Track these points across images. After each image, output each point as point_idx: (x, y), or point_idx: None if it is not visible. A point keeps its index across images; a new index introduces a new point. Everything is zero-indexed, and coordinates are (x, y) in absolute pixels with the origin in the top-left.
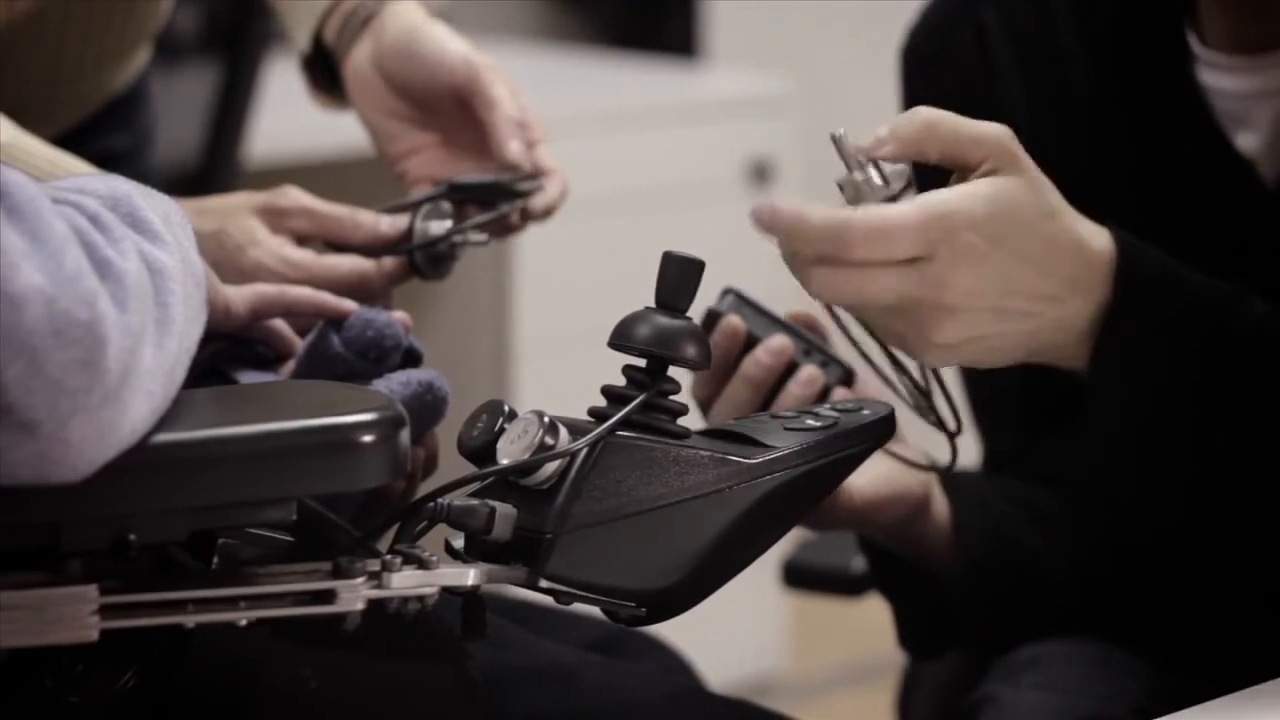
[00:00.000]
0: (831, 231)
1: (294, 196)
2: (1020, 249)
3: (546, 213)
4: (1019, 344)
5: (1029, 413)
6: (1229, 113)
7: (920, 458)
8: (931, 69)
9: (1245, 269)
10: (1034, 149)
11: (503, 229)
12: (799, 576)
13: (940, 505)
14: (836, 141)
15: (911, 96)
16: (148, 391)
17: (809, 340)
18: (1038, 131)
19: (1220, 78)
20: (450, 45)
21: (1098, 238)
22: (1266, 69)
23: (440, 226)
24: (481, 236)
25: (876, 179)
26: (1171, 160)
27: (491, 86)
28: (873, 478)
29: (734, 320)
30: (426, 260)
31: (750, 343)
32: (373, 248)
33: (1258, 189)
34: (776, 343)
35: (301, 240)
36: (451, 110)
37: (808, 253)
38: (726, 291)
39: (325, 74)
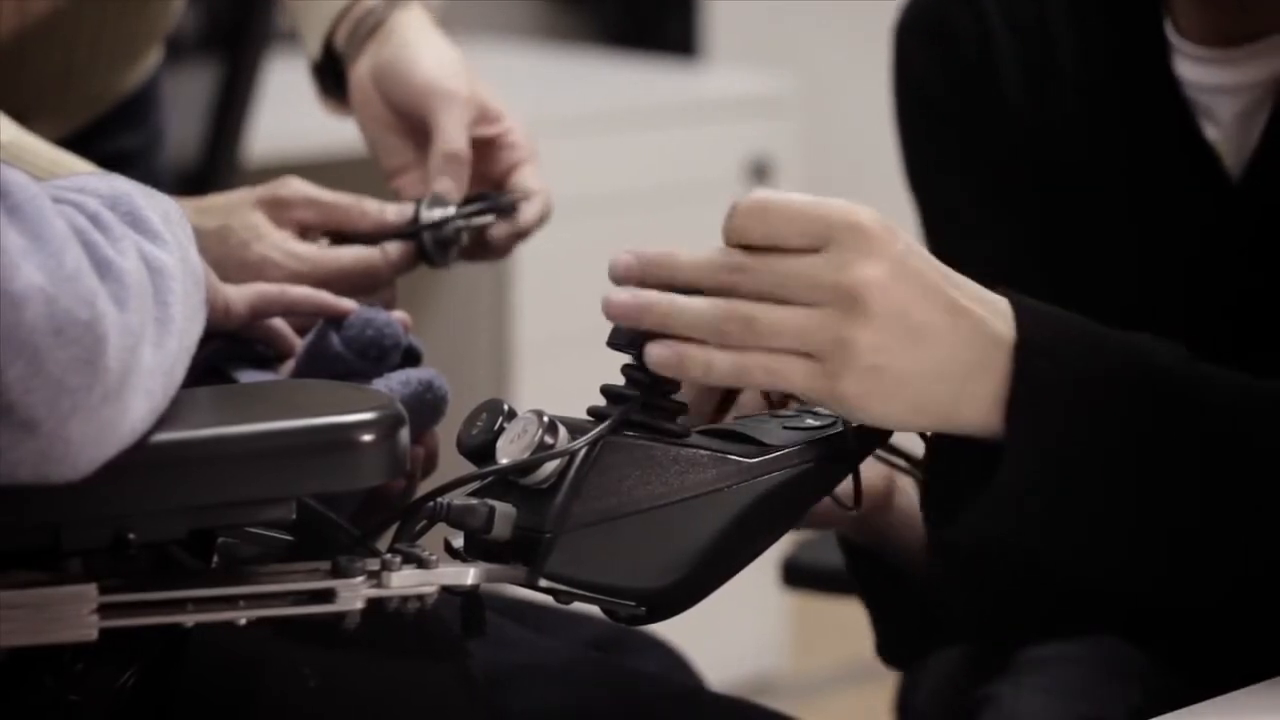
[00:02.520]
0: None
1: (296, 186)
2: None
3: (523, 233)
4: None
5: None
6: (1196, 104)
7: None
8: (930, 46)
9: (1223, 261)
10: (1026, 132)
11: (485, 251)
12: (799, 575)
13: (904, 498)
14: None
15: (906, 72)
16: (147, 391)
17: None
18: (1034, 115)
19: (1191, 68)
20: (419, 71)
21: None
22: (1232, 63)
23: (445, 211)
24: (488, 219)
25: None
26: (1151, 149)
27: (440, 114)
28: None
29: None
30: (434, 244)
31: None
32: (379, 235)
33: (1225, 183)
34: None
35: (305, 231)
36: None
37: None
38: None
39: (334, 80)
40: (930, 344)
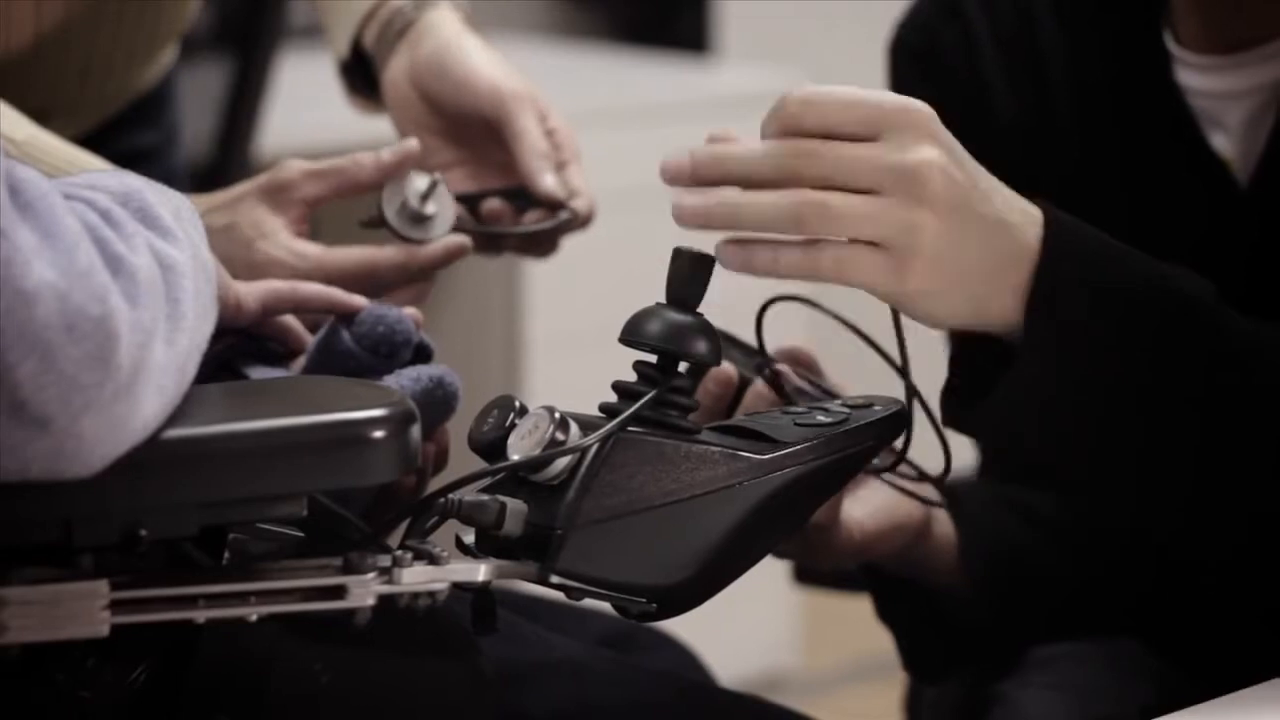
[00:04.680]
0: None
1: (295, 166)
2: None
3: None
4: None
5: None
6: (1203, 112)
7: (920, 484)
8: (919, 64)
9: (1227, 268)
10: (1019, 147)
11: (534, 247)
12: (810, 573)
13: (942, 525)
14: None
15: (898, 91)
16: (159, 387)
17: (802, 375)
18: (1023, 129)
19: (1194, 77)
20: (479, 70)
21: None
22: (1238, 69)
23: (406, 188)
24: (438, 177)
25: None
26: (1151, 159)
27: (517, 118)
28: (872, 509)
29: (728, 369)
30: (404, 223)
31: (743, 384)
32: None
33: (1233, 189)
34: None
35: (314, 207)
36: (481, 130)
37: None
38: None
39: (363, 78)
40: (982, 233)
